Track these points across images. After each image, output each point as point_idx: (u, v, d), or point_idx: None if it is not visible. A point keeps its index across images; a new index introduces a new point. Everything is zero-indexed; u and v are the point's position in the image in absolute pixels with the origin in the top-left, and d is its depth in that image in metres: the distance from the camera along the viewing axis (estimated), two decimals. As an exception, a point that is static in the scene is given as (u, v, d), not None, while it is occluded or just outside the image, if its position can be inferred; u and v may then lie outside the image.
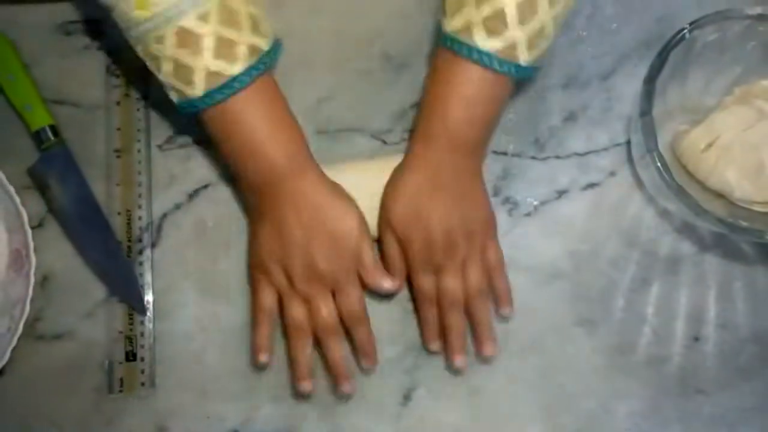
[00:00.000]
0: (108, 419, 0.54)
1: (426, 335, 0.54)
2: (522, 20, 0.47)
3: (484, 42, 0.47)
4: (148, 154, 0.57)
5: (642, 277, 0.57)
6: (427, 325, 0.54)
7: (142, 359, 0.54)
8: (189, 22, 0.45)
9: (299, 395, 0.53)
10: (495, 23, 0.47)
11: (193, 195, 0.57)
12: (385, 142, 0.58)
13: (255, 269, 0.52)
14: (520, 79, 0.50)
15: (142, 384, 0.54)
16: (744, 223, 0.52)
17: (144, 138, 0.57)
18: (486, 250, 0.53)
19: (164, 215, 0.57)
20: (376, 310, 0.55)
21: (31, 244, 0.52)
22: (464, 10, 0.47)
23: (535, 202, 0.58)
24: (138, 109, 0.58)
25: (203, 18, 0.45)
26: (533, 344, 0.55)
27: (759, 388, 0.55)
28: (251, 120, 0.48)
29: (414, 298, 0.55)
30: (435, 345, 0.54)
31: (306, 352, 0.51)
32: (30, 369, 0.54)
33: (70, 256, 0.55)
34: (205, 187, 0.57)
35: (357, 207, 0.52)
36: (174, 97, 0.49)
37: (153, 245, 0.56)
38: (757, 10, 0.52)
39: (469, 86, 0.49)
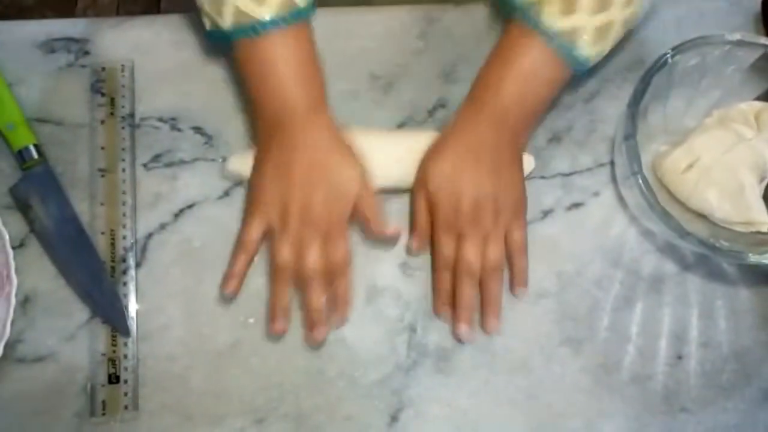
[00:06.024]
0: (90, 443, 0.53)
1: (436, 300, 0.55)
2: (594, 10, 0.49)
3: (551, 19, 0.50)
4: (133, 173, 0.57)
5: (625, 296, 0.58)
6: (439, 290, 0.55)
7: (125, 382, 0.53)
8: None
9: (272, 333, 0.53)
10: (567, 4, 0.49)
11: (178, 215, 0.57)
12: (372, 162, 0.59)
13: (252, 204, 0.53)
14: (574, 71, 0.52)
15: (125, 407, 0.53)
16: (725, 244, 0.53)
17: (129, 157, 0.57)
18: (512, 230, 0.54)
19: (149, 235, 0.56)
20: (365, 332, 0.55)
21: (12, 265, 0.51)
22: None
23: (521, 222, 0.58)
24: (123, 128, 0.57)
25: None
26: (520, 364, 0.56)
27: (741, 406, 0.56)
28: (275, 63, 0.51)
29: (433, 263, 0.56)
30: (444, 310, 0.55)
31: (285, 295, 0.52)
32: (10, 392, 0.53)
33: (52, 276, 0.54)
34: (191, 206, 0.57)
35: (361, 158, 0.53)
36: (207, 23, 0.52)
37: (137, 265, 0.55)
38: (737, 36, 0.54)
39: (527, 61, 0.51)
